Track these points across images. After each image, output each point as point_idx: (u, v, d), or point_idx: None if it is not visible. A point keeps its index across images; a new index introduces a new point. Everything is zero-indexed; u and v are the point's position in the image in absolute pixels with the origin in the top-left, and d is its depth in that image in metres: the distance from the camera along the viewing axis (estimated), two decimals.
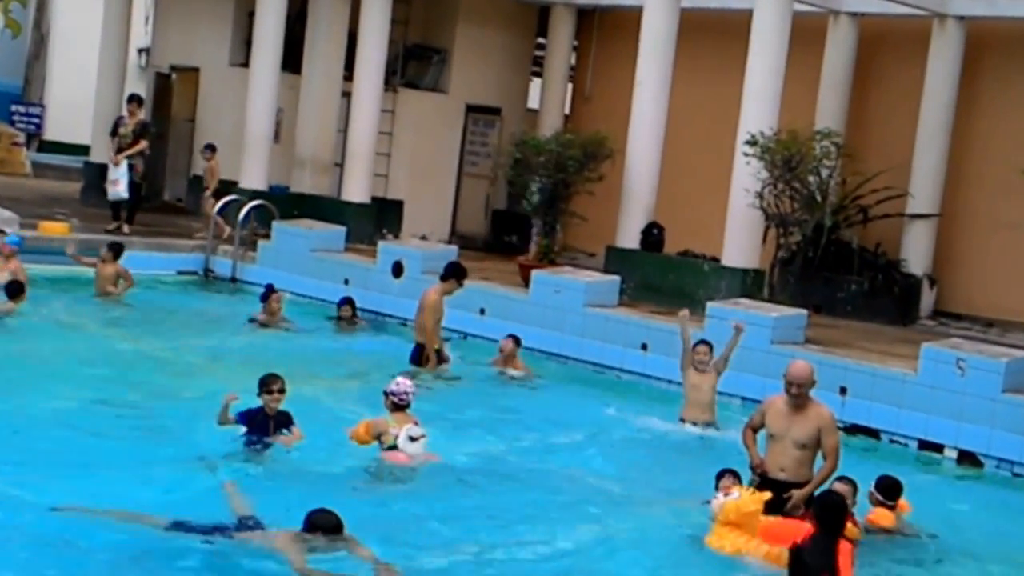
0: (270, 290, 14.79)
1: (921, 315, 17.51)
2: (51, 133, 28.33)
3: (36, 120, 28.18)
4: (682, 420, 11.81)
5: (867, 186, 17.32)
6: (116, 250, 15.26)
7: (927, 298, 17.68)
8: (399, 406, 9.61)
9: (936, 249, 17.72)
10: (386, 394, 9.66)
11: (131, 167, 17.90)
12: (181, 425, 10.12)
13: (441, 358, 13.21)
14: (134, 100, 18.43)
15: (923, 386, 12.22)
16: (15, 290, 13.47)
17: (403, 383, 9.67)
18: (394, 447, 9.44)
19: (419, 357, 13.10)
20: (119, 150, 17.91)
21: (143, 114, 18.52)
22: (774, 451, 9.00)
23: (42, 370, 11.43)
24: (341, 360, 13.48)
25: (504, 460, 10.31)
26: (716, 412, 11.83)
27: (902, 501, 9.14)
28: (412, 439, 9.39)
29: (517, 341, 13.54)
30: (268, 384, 9.48)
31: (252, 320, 14.68)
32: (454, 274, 13.38)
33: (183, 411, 10.52)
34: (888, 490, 9.14)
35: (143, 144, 18.03)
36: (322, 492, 8.26)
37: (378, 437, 9.48)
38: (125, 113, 18.50)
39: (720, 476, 9.01)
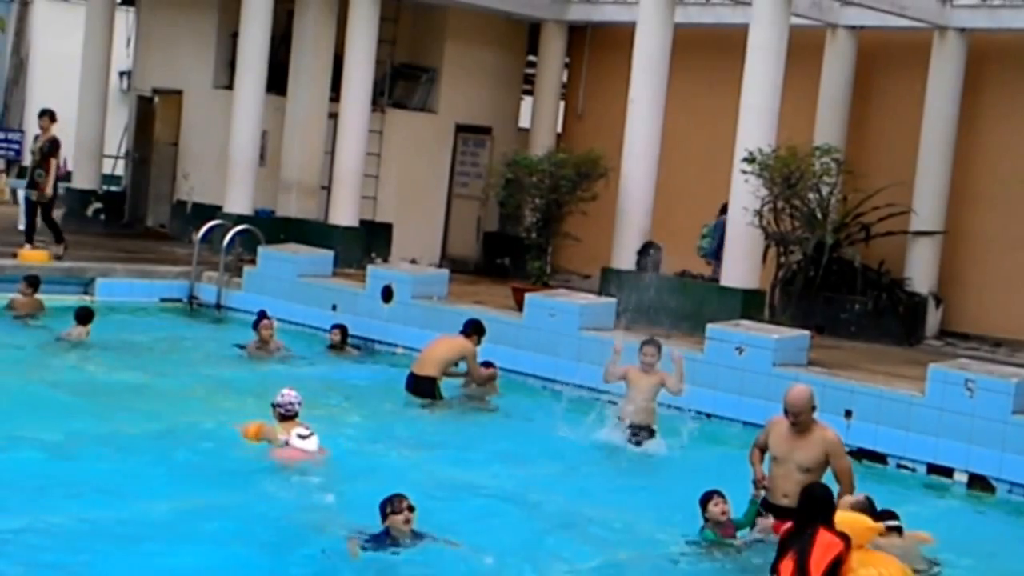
0: (262, 316, 14.52)
1: (927, 335, 17.33)
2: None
3: (16, 146, 27.72)
4: (619, 418, 11.68)
5: (869, 203, 17.16)
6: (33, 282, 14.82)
7: (933, 318, 17.49)
8: (286, 416, 10.09)
9: (941, 267, 17.59)
10: (274, 406, 10.14)
11: (34, 184, 16.98)
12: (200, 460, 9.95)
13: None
14: (46, 115, 17.35)
15: (931, 408, 11.96)
16: (84, 316, 13.78)
17: (288, 395, 10.17)
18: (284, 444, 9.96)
19: (430, 390, 12.89)
20: (32, 169, 17.26)
21: (55, 130, 17.26)
22: (778, 475, 8.84)
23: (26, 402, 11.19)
24: (334, 388, 13.19)
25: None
26: (654, 417, 11.66)
27: (924, 533, 8.64)
28: (302, 437, 9.90)
29: (489, 365, 13.43)
30: (396, 504, 8.16)
31: (241, 347, 14.42)
32: (476, 331, 13.33)
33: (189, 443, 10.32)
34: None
35: (52, 162, 16.92)
36: None
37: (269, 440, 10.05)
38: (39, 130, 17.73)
39: (707, 499, 8.81)
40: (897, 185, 17.16)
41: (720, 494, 8.87)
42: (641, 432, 11.60)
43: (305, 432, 9.92)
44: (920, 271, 17.39)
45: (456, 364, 13.17)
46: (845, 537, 7.03)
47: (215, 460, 9.98)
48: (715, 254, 16.61)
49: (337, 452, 10.22)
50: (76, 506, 8.42)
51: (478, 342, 13.31)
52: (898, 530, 8.61)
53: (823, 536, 6.96)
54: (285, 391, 10.25)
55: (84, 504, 8.48)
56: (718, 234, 16.59)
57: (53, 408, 11.03)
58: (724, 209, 16.46)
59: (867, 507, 8.41)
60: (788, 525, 7.28)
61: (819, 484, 7.68)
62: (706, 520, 8.84)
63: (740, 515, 8.98)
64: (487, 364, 13.42)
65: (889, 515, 8.60)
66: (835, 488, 8.50)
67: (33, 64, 28.34)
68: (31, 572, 7.31)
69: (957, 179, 17.45)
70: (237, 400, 11.96)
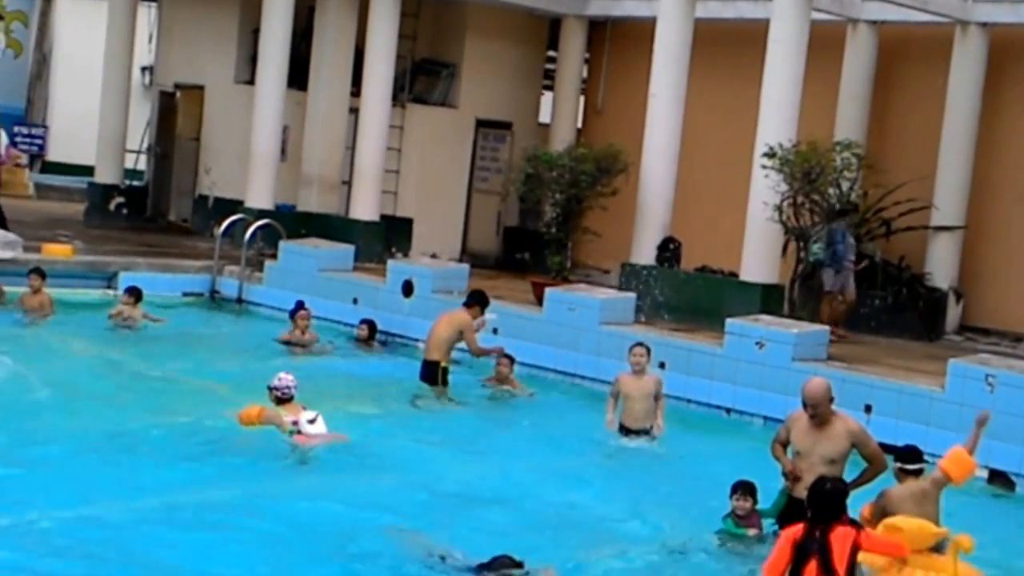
0: (299, 306, 14.60)
1: (947, 330, 17.24)
2: (54, 154, 28.22)
3: (39, 141, 28.02)
4: (621, 427, 11.57)
5: (889, 198, 17.09)
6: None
7: (953, 313, 17.40)
8: (283, 399, 10.28)
9: (962, 262, 17.48)
10: (270, 389, 10.32)
11: None
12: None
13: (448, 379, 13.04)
14: None
15: (951, 403, 11.92)
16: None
17: (285, 378, 10.35)
18: (298, 432, 10.10)
19: (434, 375, 12.89)
20: None
21: None
22: (802, 469, 8.80)
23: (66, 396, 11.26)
24: (359, 381, 13.31)
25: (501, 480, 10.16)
26: (653, 417, 11.54)
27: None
28: (311, 422, 10.08)
29: (511, 360, 13.32)
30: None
31: (282, 341, 14.52)
32: (478, 301, 13.27)
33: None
34: (909, 456, 8.67)
35: None
36: None
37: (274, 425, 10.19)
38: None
39: (732, 490, 8.90)
40: (918, 180, 17.07)
41: (744, 490, 8.91)
42: (641, 435, 11.52)
43: (311, 415, 10.12)
44: (940, 266, 17.28)
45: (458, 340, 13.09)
46: (854, 522, 7.11)
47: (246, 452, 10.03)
48: (828, 262, 15.45)
49: (362, 444, 10.25)
50: (106, 497, 8.47)
51: (481, 313, 13.20)
52: (917, 472, 8.59)
53: (837, 530, 7.02)
54: (282, 375, 10.44)
55: (113, 496, 8.53)
56: (834, 241, 15.42)
57: (82, 401, 11.09)
58: (839, 213, 15.47)
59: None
60: (799, 528, 7.20)
61: (827, 479, 7.65)
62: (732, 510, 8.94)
63: (768, 505, 9.00)
64: (508, 357, 13.30)
65: (912, 454, 8.60)
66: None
67: (56, 60, 28.47)
68: (55, 563, 7.36)
69: (978, 174, 17.33)
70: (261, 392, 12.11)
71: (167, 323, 15.03)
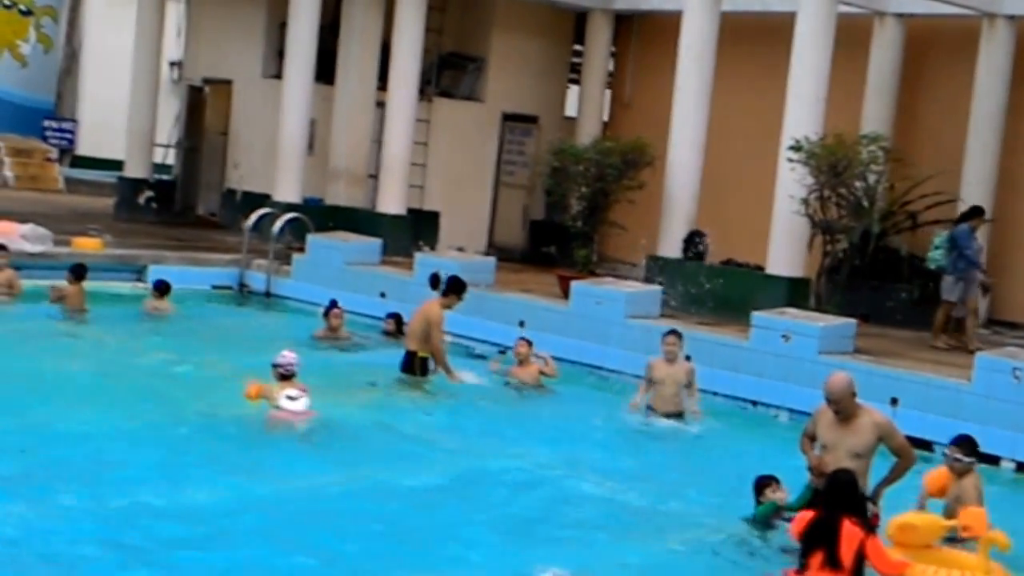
0: (332, 305, 14.66)
1: None
2: (84, 148, 28.37)
3: (68, 136, 28.19)
4: (650, 408, 11.92)
5: (916, 191, 17.05)
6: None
7: (980, 306, 17.17)
8: (285, 376, 10.64)
9: (989, 255, 17.27)
10: (274, 366, 10.68)
11: None
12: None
13: (427, 369, 12.88)
14: None
15: (978, 396, 11.93)
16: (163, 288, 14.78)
17: (288, 356, 10.72)
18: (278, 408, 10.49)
19: (412, 365, 12.78)
20: None
21: None
22: (828, 463, 8.72)
23: (104, 387, 11.37)
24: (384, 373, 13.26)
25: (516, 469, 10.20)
26: (683, 404, 11.92)
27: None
28: (291, 398, 10.48)
29: (529, 343, 13.21)
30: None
31: (315, 338, 14.52)
32: (454, 289, 12.96)
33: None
34: (967, 444, 8.79)
35: None
36: None
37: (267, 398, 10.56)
38: None
39: (764, 484, 8.93)
40: (944, 173, 17.01)
41: (777, 480, 8.96)
42: (671, 419, 11.83)
43: (295, 393, 10.51)
44: None
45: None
46: (867, 527, 7.13)
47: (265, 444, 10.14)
48: (951, 268, 14.65)
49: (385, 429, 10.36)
50: (134, 490, 8.50)
51: (458, 300, 12.91)
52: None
53: (847, 527, 7.09)
54: (285, 352, 10.79)
55: (142, 488, 8.56)
56: (961, 245, 14.62)
57: (110, 394, 11.17)
58: (966, 215, 14.87)
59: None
60: (812, 514, 7.32)
61: (844, 471, 7.69)
62: (760, 504, 8.96)
63: (793, 499, 9.02)
64: (539, 357, 13.18)
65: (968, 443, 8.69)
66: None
67: (85, 55, 28.61)
68: (82, 550, 7.42)
69: (1005, 167, 17.25)
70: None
71: (197, 318, 15.13)
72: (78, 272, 14.55)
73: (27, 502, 7.96)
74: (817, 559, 7.11)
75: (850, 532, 7.11)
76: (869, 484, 8.59)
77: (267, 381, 10.60)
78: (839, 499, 7.28)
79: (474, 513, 8.90)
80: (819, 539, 7.14)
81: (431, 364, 12.80)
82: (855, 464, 8.54)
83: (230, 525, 8.07)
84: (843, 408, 8.65)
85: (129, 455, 9.36)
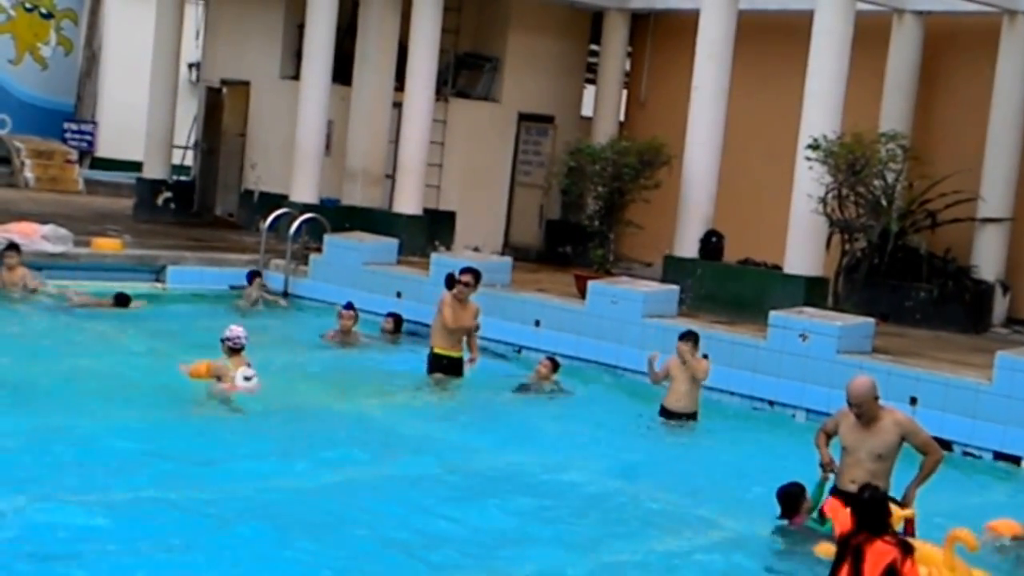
0: (348, 307, 14.67)
1: (994, 323, 17.09)
2: (103, 150, 28.45)
3: (88, 137, 28.28)
4: (664, 407, 12.00)
5: (935, 190, 16.95)
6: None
7: (1000, 305, 17.25)
8: (234, 350, 11.09)
9: (1009, 254, 17.32)
10: (223, 340, 11.10)
11: None
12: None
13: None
14: None
15: (998, 396, 11.85)
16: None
17: (236, 330, 11.17)
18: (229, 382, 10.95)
19: (451, 366, 12.86)
20: None
21: None
22: (848, 463, 8.72)
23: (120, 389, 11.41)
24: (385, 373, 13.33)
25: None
26: (697, 403, 12.01)
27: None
28: (246, 379, 11.04)
29: (556, 365, 13.14)
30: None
31: (326, 339, 14.57)
32: (445, 284, 13.09)
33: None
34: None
35: None
36: None
37: (218, 377, 11.06)
38: None
39: (792, 497, 8.78)
40: (964, 172, 16.92)
41: (804, 490, 8.80)
42: (684, 418, 11.85)
43: (249, 373, 11.07)
44: (987, 258, 17.13)
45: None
46: (903, 544, 6.94)
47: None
48: None
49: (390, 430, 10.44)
50: (152, 486, 8.57)
51: (469, 289, 12.92)
52: None
53: (878, 545, 6.88)
54: (233, 327, 11.29)
55: (152, 485, 8.61)
56: None
57: (132, 394, 11.20)
58: None
59: None
60: (848, 527, 7.12)
61: (874, 488, 7.40)
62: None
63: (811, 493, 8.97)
64: (551, 359, 13.19)
65: None
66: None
67: (105, 57, 28.70)
68: (90, 547, 7.45)
69: None
70: (310, 384, 12.18)
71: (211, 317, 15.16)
72: (122, 300, 14.89)
73: (33, 499, 7.99)
74: (843, 573, 6.95)
75: (880, 551, 6.88)
76: (892, 486, 8.51)
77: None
78: (863, 518, 7.04)
79: (488, 514, 8.87)
80: (847, 552, 6.98)
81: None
82: (877, 466, 8.51)
83: (239, 520, 8.08)
84: (865, 412, 8.58)
85: (136, 451, 9.39)
